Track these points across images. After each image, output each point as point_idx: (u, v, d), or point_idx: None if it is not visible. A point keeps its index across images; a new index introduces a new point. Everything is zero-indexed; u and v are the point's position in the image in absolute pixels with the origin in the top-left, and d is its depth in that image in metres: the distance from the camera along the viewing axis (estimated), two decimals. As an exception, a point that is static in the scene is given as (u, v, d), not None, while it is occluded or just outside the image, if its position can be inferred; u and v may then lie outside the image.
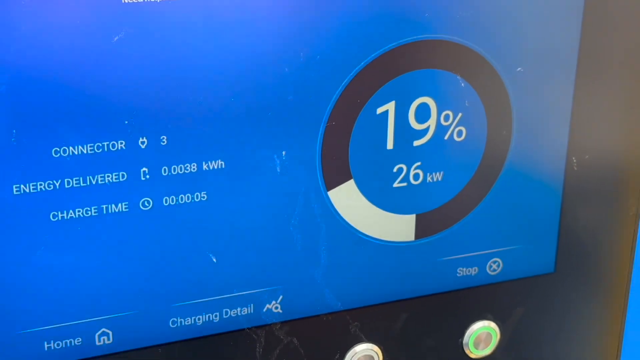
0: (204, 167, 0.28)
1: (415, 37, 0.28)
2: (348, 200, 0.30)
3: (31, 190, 0.26)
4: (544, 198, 0.33)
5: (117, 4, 0.24)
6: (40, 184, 0.26)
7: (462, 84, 0.29)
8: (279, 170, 0.28)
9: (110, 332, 0.28)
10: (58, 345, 0.28)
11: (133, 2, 0.24)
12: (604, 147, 0.34)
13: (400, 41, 0.28)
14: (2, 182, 0.25)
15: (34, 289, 0.27)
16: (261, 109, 0.27)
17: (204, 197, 0.28)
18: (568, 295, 0.36)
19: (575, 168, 0.33)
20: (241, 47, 0.26)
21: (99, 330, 0.28)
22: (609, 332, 0.38)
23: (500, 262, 0.33)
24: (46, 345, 0.28)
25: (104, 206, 0.27)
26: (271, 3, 0.26)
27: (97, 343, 0.28)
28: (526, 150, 0.32)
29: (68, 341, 0.28)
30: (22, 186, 0.25)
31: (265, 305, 0.30)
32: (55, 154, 0.26)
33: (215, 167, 0.28)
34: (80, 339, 0.28)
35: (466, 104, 0.30)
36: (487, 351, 0.35)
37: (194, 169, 0.28)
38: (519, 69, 0.30)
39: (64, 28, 0.24)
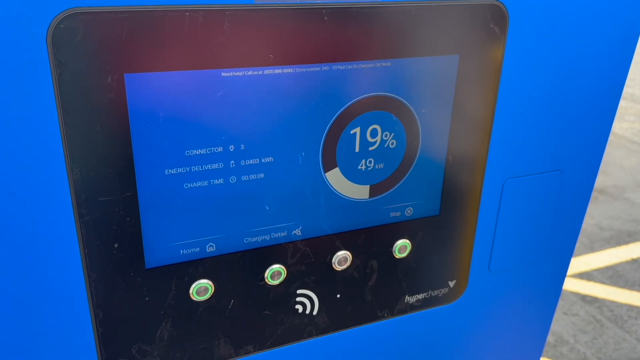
0: (263, 160, 0.52)
1: (369, 94, 0.53)
2: (335, 178, 0.55)
3: (174, 172, 0.49)
4: (435, 176, 0.60)
5: (219, 76, 0.48)
6: (179, 169, 0.49)
7: (394, 118, 0.55)
8: (300, 162, 0.53)
9: (214, 245, 0.53)
10: (187, 251, 0.52)
11: (228, 76, 0.48)
12: (465, 152, 0.60)
13: (363, 96, 0.53)
14: (159, 168, 0.48)
15: (174, 222, 0.50)
16: (293, 132, 0.51)
17: (262, 176, 0.52)
18: (446, 227, 0.63)
19: (451, 161, 0.60)
20: (286, 101, 0.50)
21: (208, 243, 0.53)
22: (466, 244, 0.66)
23: (412, 209, 0.61)
24: (181, 251, 0.52)
25: (211, 180, 0.51)
26: (306, 89, 0.50)
27: (207, 250, 0.53)
28: (426, 152, 0.58)
29: (192, 249, 0.52)
30: (170, 170, 0.48)
31: (293, 231, 0.56)
32: (187, 154, 0.49)
33: (269, 160, 0.52)
34: (198, 248, 0.53)
35: (396, 128, 0.56)
36: (404, 255, 0.62)
37: (257, 161, 0.52)
38: (423, 110, 0.56)
39: (194, 91, 0.46)
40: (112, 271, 0.49)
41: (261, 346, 0.59)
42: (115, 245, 0.49)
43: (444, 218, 0.62)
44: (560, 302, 2.15)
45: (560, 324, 2.06)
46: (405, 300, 0.64)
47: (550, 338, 1.98)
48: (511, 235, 0.67)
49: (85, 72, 0.42)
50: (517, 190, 0.64)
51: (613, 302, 2.21)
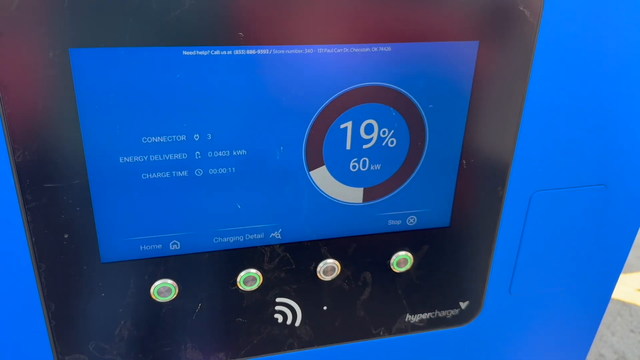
0: (234, 153, 0.45)
1: (363, 84, 0.45)
2: (321, 177, 0.48)
3: (129, 161, 0.43)
4: (445, 183, 0.51)
5: (180, 55, 0.41)
6: (135, 157, 0.43)
7: (394, 113, 0.47)
8: (278, 158, 0.46)
9: (178, 243, 0.48)
10: (147, 247, 0.47)
11: (190, 54, 0.41)
12: (484, 157, 0.50)
13: (355, 86, 0.45)
14: (112, 155, 0.42)
15: (132, 215, 0.45)
16: (270, 122, 0.44)
17: (233, 170, 0.46)
18: (457, 241, 0.54)
19: (466, 167, 0.50)
20: (260, 88, 0.43)
21: (172, 241, 0.48)
22: (481, 262, 0.57)
23: (415, 218, 0.52)
24: (141, 247, 0.47)
25: (174, 172, 0.44)
26: (284, 75, 0.43)
27: (171, 248, 0.48)
28: (434, 154, 0.49)
29: (154, 246, 0.47)
30: (125, 158, 0.43)
31: (271, 233, 0.49)
32: (144, 141, 0.43)
33: (241, 153, 0.45)
34: (160, 245, 0.47)
35: (396, 125, 0.47)
36: (405, 269, 0.54)
37: (227, 153, 0.45)
38: (430, 105, 0.47)
39: (150, 71, 0.40)
40: (64, 263, 0.45)
41: (234, 355, 0.53)
42: (65, 236, 0.44)
43: (455, 231, 0.53)
44: (628, 318, 1.96)
45: (625, 342, 1.88)
46: (407, 319, 0.57)
47: (612, 356, 1.81)
48: (539, 255, 0.57)
49: (23, 44, 0.38)
50: (550, 205, 0.54)
51: (692, 323, 1.98)
